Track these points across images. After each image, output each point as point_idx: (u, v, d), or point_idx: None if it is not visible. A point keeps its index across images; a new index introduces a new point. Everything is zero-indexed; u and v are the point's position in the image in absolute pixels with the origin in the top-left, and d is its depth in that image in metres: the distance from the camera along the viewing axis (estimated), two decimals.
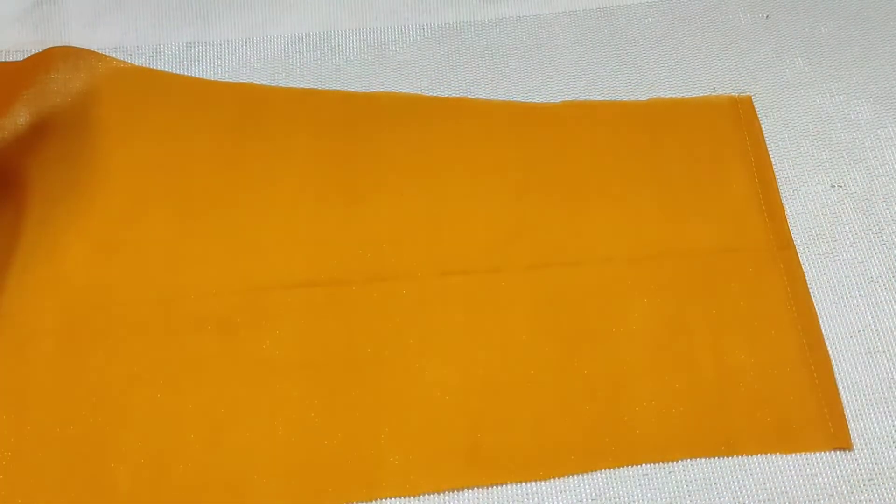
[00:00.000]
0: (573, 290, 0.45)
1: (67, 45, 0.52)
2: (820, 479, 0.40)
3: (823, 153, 0.50)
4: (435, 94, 0.52)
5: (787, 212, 0.47)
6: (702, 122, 0.50)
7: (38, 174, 0.49)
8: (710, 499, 0.40)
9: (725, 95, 0.51)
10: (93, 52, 0.52)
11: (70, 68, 0.52)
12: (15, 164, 0.49)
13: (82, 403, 0.42)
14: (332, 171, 0.49)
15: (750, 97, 0.51)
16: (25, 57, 0.52)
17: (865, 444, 0.41)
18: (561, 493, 0.40)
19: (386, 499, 0.40)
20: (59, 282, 0.45)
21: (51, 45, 0.52)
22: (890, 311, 0.45)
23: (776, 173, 0.49)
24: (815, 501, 0.40)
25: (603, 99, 0.52)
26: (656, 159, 0.49)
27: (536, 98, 0.52)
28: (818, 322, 0.44)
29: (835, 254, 0.46)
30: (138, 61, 0.53)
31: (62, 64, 0.52)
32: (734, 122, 0.50)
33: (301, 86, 0.52)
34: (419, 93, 0.52)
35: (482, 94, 0.52)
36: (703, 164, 0.49)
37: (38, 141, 0.50)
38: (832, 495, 0.40)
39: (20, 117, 0.50)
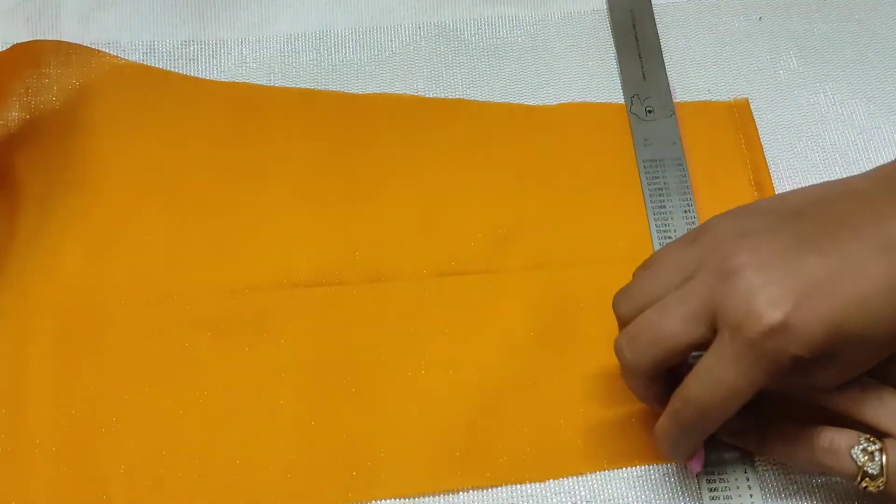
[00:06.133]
0: (570, 291, 0.45)
1: (59, 39, 0.52)
2: (813, 479, 0.40)
3: (817, 154, 0.50)
4: (431, 95, 0.52)
5: None
6: (699, 125, 0.50)
7: (32, 172, 0.48)
8: None
9: (724, 102, 0.52)
10: (86, 48, 0.52)
11: (62, 63, 0.51)
12: (8, 161, 0.48)
13: (78, 404, 0.42)
14: (329, 172, 0.49)
15: (747, 100, 0.51)
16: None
17: None
18: (556, 494, 0.40)
19: (382, 500, 0.40)
20: (54, 282, 0.45)
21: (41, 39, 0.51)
22: None
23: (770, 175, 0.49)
24: (807, 502, 0.40)
25: (599, 101, 0.52)
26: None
27: (533, 98, 0.52)
28: None
29: None
30: (132, 58, 0.53)
31: (54, 58, 0.51)
32: (731, 125, 0.51)
33: (297, 86, 0.52)
34: (416, 93, 0.52)
35: (479, 94, 0.52)
36: (699, 167, 0.49)
37: (30, 138, 0.49)
38: (824, 497, 0.40)
39: (11, 112, 0.50)
